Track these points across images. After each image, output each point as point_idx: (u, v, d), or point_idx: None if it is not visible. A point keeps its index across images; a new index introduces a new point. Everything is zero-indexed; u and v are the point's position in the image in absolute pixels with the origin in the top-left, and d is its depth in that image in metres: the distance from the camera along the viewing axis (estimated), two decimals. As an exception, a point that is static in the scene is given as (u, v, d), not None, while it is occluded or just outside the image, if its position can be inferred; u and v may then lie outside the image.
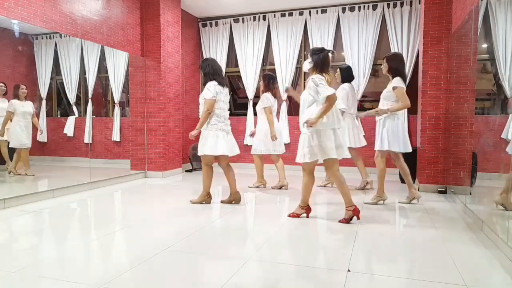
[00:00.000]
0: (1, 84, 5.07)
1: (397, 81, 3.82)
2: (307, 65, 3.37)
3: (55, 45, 5.71)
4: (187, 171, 6.91)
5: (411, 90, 6.09)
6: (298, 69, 7.03)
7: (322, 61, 3.27)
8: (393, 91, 3.83)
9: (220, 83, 3.88)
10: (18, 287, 2.07)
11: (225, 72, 7.43)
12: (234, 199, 4.13)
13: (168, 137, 6.23)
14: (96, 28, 5.19)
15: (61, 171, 5.78)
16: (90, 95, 6.17)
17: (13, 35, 4.96)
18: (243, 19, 7.22)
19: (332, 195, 4.63)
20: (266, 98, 4.89)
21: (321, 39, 6.69)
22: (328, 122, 3.25)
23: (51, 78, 5.87)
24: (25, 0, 4.15)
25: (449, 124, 4.68)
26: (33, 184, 5.07)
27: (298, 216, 3.55)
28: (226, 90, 3.97)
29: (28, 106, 5.23)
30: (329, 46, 6.62)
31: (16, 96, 5.12)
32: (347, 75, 4.92)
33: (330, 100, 3.16)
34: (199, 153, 4.04)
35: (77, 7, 4.86)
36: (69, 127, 6.13)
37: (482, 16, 3.50)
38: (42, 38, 5.63)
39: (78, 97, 6.17)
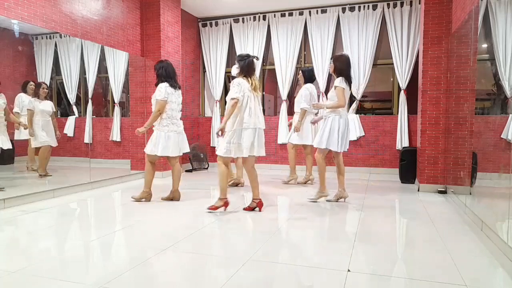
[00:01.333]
0: (31, 83, 5.15)
1: (338, 81, 4.01)
2: (234, 70, 3.72)
3: (55, 45, 5.70)
4: (187, 171, 6.91)
5: (411, 90, 6.10)
6: (298, 69, 7.03)
7: (247, 67, 3.63)
8: (334, 90, 4.03)
9: (171, 85, 4.07)
10: (18, 287, 2.07)
11: (225, 72, 7.46)
12: (174, 196, 4.30)
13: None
14: (96, 28, 5.19)
15: (61, 171, 5.77)
16: (90, 95, 6.16)
17: (13, 35, 4.96)
18: (243, 19, 7.22)
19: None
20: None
21: (321, 39, 6.69)
22: (250, 121, 3.57)
23: (51, 78, 5.86)
24: (25, 0, 4.14)
25: (449, 124, 4.68)
26: (33, 184, 5.07)
27: (217, 208, 3.69)
28: (178, 92, 4.16)
29: (47, 105, 5.24)
30: (329, 46, 6.63)
31: (37, 95, 5.14)
32: (309, 76, 5.27)
33: (232, 103, 3.52)
34: (148, 152, 4.13)
35: (77, 7, 4.86)
36: (69, 127, 6.12)
37: (482, 16, 3.49)
38: (42, 38, 5.62)
39: (78, 97, 6.16)
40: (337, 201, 4.25)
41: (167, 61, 4.26)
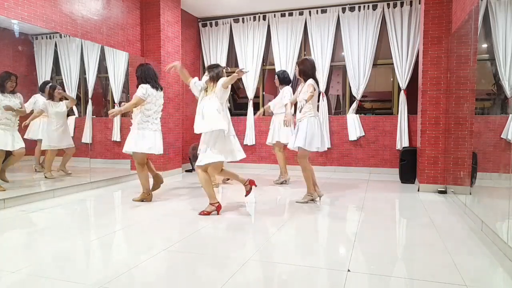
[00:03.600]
0: (59, 87, 5.36)
1: (309, 81, 4.10)
2: (205, 77, 4.00)
3: (55, 45, 5.69)
4: (187, 171, 6.91)
5: (411, 90, 6.10)
6: (298, 69, 7.03)
7: (217, 75, 3.82)
8: (307, 87, 4.06)
9: (153, 87, 4.21)
10: (18, 287, 2.07)
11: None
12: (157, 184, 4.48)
13: (168, 137, 6.23)
14: (96, 28, 5.19)
15: (61, 171, 5.76)
16: (90, 95, 6.16)
17: (13, 35, 4.95)
18: (243, 19, 7.22)
19: (331, 196, 4.62)
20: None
21: (321, 39, 6.69)
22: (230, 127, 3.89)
23: (51, 78, 5.85)
24: (25, 0, 4.15)
25: (449, 124, 4.68)
26: (33, 184, 5.06)
27: (209, 213, 3.65)
28: (159, 93, 4.30)
29: (62, 107, 5.35)
30: (329, 46, 6.63)
31: (51, 97, 5.26)
32: (283, 78, 5.45)
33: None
34: (129, 150, 4.17)
35: (77, 7, 4.86)
36: (69, 127, 6.13)
37: (482, 16, 3.49)
38: (42, 38, 5.61)
39: (78, 97, 6.16)
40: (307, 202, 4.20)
41: (148, 64, 4.37)
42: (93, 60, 6.02)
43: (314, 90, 4.01)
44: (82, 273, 2.28)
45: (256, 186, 4.03)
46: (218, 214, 3.67)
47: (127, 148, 4.16)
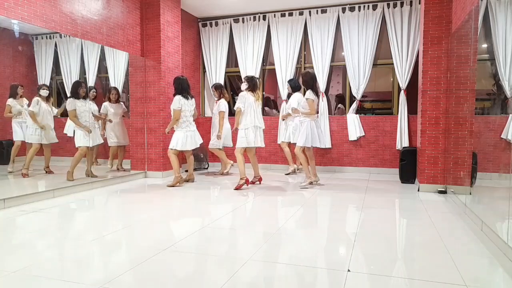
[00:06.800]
0: (93, 89, 6.00)
1: (308, 94, 5.04)
2: (244, 86, 5.06)
3: (55, 45, 5.70)
4: (187, 171, 6.90)
5: (412, 90, 6.11)
6: (298, 69, 7.03)
7: (253, 85, 5.04)
8: (306, 100, 5.02)
9: (185, 97, 5.20)
10: (18, 287, 2.07)
11: (225, 72, 7.46)
12: (190, 179, 5.60)
13: (168, 137, 6.21)
14: (96, 28, 5.19)
15: (61, 171, 5.76)
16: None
17: (13, 35, 4.96)
18: (243, 19, 7.22)
19: (331, 196, 4.62)
20: (223, 105, 6.18)
21: (321, 39, 6.69)
22: (252, 122, 4.93)
23: (51, 78, 5.86)
24: (25, 0, 4.15)
25: (449, 124, 4.68)
26: (33, 184, 5.07)
27: (241, 187, 4.91)
28: (190, 102, 5.31)
29: (118, 108, 6.08)
30: (329, 46, 6.63)
31: (108, 99, 6.05)
32: (294, 86, 6.00)
33: (237, 112, 4.97)
34: (171, 147, 5.24)
35: (77, 7, 4.86)
36: (69, 127, 6.11)
37: (482, 16, 3.50)
38: (42, 38, 5.62)
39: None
40: (311, 184, 5.15)
41: (183, 76, 5.33)
42: (93, 60, 6.02)
43: (313, 101, 4.93)
44: (82, 273, 2.28)
45: (247, 186, 5.02)
46: (247, 185, 4.99)
47: (173, 146, 5.25)
